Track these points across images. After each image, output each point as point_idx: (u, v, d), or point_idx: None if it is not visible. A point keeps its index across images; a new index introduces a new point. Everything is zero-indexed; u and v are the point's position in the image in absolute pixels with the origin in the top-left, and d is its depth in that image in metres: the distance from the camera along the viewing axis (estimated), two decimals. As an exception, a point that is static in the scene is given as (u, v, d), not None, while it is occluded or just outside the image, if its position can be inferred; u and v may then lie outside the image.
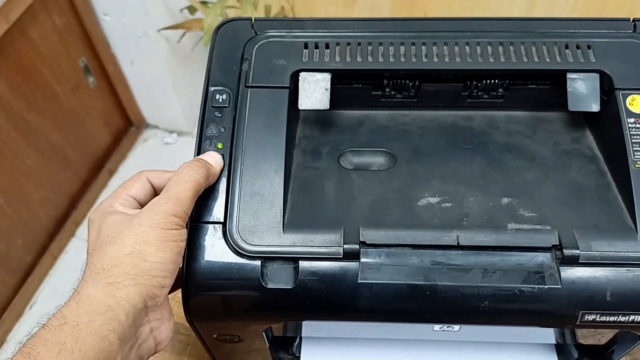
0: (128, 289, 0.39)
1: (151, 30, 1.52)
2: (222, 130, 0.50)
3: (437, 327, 0.50)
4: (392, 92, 0.55)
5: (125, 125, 1.81)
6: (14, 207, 1.43)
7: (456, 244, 0.45)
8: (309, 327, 0.54)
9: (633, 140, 0.48)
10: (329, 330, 0.56)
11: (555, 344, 0.60)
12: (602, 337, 0.52)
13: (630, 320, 0.45)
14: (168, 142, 1.83)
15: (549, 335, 0.54)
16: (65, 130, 1.55)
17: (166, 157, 1.80)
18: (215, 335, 0.51)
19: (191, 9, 1.48)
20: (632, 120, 0.49)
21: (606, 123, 0.51)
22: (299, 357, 0.60)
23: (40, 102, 1.43)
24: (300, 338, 0.61)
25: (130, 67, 1.67)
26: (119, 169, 1.79)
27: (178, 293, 0.48)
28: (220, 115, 0.50)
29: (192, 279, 0.46)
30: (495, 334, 0.55)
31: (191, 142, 1.68)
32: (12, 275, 1.49)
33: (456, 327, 0.50)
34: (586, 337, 0.52)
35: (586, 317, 0.45)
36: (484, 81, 0.53)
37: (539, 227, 0.46)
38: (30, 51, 1.36)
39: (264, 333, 0.50)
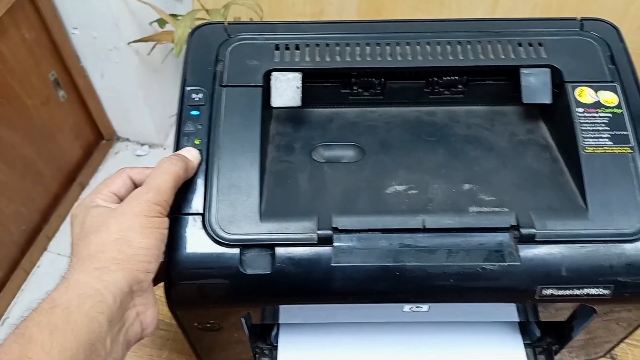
0: (115, 274, 0.40)
1: (121, 43, 1.54)
2: (199, 127, 0.52)
3: (407, 308, 0.53)
4: (360, 90, 0.58)
5: (96, 138, 1.81)
6: (-15, 222, 1.42)
7: (422, 227, 0.48)
8: (286, 313, 0.56)
9: (582, 128, 0.52)
10: (305, 316, 0.59)
11: (519, 325, 0.64)
12: (562, 313, 0.55)
13: (585, 293, 0.49)
14: (140, 155, 1.83)
15: (512, 314, 0.57)
16: (36, 144, 1.54)
17: (138, 169, 1.81)
18: (196, 324, 0.53)
19: (161, 22, 1.50)
20: (580, 109, 0.53)
21: (558, 113, 0.55)
22: (277, 346, 0.62)
23: (10, 116, 1.43)
24: (278, 327, 0.63)
25: (100, 80, 1.68)
26: (90, 182, 1.78)
27: (158, 289, 0.50)
28: (197, 113, 0.53)
29: (173, 268, 0.48)
30: (462, 313, 0.58)
31: (163, 154, 1.69)
32: (-17, 292, 1.47)
33: (425, 308, 0.53)
34: (547, 314, 0.56)
35: (544, 291, 0.49)
36: (445, 78, 0.57)
37: (497, 209, 0.50)
38: (-1, 65, 1.36)
39: (243, 320, 0.53)
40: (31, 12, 1.40)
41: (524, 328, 0.64)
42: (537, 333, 0.63)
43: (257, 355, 0.61)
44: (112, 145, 1.86)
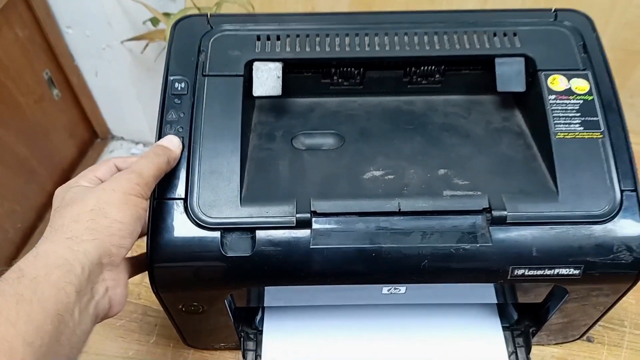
0: (86, 244, 0.41)
1: (114, 42, 1.55)
2: (182, 116, 0.54)
3: (385, 289, 0.54)
4: (340, 80, 0.60)
5: (91, 137, 1.83)
6: (-20, 219, 1.43)
7: (398, 210, 0.50)
8: (268, 297, 0.57)
9: (554, 114, 0.54)
10: (287, 299, 0.60)
11: (497, 308, 0.66)
12: (537, 295, 0.57)
13: (556, 273, 0.51)
14: (134, 153, 1.85)
15: (489, 295, 0.59)
16: (31, 143, 1.55)
17: (132, 167, 1.82)
18: (180, 306, 0.54)
19: (154, 21, 1.51)
20: (553, 97, 0.55)
21: (531, 101, 0.57)
22: (262, 330, 0.64)
23: (4, 114, 1.44)
24: (263, 312, 0.65)
25: (94, 78, 1.69)
26: (85, 180, 1.79)
27: (146, 277, 0.51)
28: (179, 102, 0.54)
29: (156, 251, 0.49)
30: (439, 295, 0.60)
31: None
32: (-23, 289, 1.48)
33: (402, 289, 0.54)
34: (523, 295, 0.57)
35: (516, 271, 0.50)
36: (422, 67, 0.59)
37: (471, 193, 0.52)
38: (-7, 64, 1.37)
39: (226, 302, 0.54)
40: (24, 10, 1.42)
41: (502, 311, 0.66)
42: (515, 316, 0.64)
43: (242, 339, 0.63)
44: (107, 144, 1.87)
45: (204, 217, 0.50)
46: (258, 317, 0.65)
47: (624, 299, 0.66)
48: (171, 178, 0.51)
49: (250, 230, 0.50)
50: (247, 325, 0.64)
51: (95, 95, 1.74)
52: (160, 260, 0.50)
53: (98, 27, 1.52)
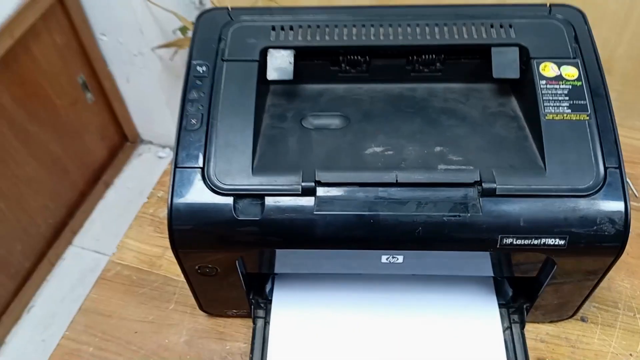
0: None
1: (145, 49, 1.64)
2: (202, 95, 0.59)
3: (384, 258, 0.59)
4: (347, 68, 0.65)
5: (121, 140, 1.91)
6: (14, 213, 1.51)
7: (395, 182, 0.54)
8: (275, 262, 0.62)
9: (544, 98, 0.58)
10: (292, 265, 0.65)
11: (494, 286, 0.69)
12: (529, 268, 0.61)
13: (542, 243, 0.54)
14: (161, 157, 1.92)
15: (485, 267, 0.62)
16: (64, 143, 1.64)
17: (159, 170, 1.89)
18: (196, 268, 0.59)
19: (183, 30, 1.59)
20: (543, 82, 0.59)
21: (524, 87, 0.61)
22: (271, 299, 0.68)
23: (40, 114, 1.53)
24: (273, 283, 0.70)
25: (126, 84, 1.78)
26: (114, 181, 1.88)
27: (168, 251, 0.57)
28: (200, 83, 0.60)
29: (176, 213, 0.55)
30: (436, 266, 0.64)
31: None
32: (11, 279, 1.56)
33: (400, 258, 0.59)
34: (516, 268, 0.61)
35: (505, 240, 0.54)
36: (423, 56, 0.63)
37: (464, 167, 0.56)
38: (32, 66, 1.46)
39: (237, 265, 0.59)
40: (62, 18, 1.51)
41: (499, 289, 0.69)
42: (510, 292, 0.68)
43: (252, 307, 0.68)
44: (136, 147, 1.95)
45: (219, 184, 0.55)
46: (268, 288, 0.70)
47: (618, 282, 0.70)
48: (191, 149, 0.57)
49: (260, 196, 0.55)
50: (258, 295, 0.69)
51: (126, 100, 1.82)
52: (179, 222, 0.55)
53: (130, 34, 1.61)
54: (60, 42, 1.54)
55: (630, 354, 0.66)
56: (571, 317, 0.68)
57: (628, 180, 0.78)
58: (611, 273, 0.71)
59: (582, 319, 0.69)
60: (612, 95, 1.44)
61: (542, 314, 0.68)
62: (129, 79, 1.75)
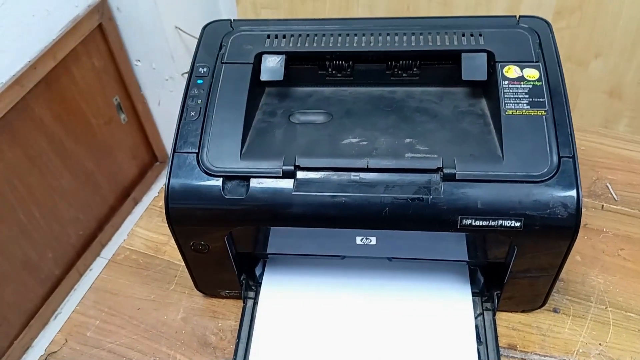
0: None
1: (176, 74, 1.76)
2: (202, 92, 0.67)
3: (358, 240, 0.65)
4: (334, 72, 0.72)
5: (151, 159, 2.02)
6: (48, 221, 1.62)
7: (366, 167, 0.61)
8: (260, 242, 0.69)
9: (505, 96, 0.64)
10: (276, 245, 0.71)
11: (469, 274, 0.74)
12: (496, 253, 0.66)
13: (499, 224, 0.59)
14: (188, 176, 2.02)
15: (455, 251, 0.67)
16: (98, 159, 1.76)
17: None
18: (190, 244, 0.66)
19: (211, 55, 1.71)
20: (506, 82, 0.65)
21: (491, 87, 0.67)
22: (261, 283, 0.75)
23: (77, 131, 1.65)
24: (263, 268, 0.76)
25: (157, 107, 1.90)
26: (143, 198, 1.98)
27: (174, 241, 0.64)
28: (201, 82, 0.68)
29: (172, 192, 0.62)
30: (407, 248, 0.69)
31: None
32: (41, 285, 1.66)
33: (373, 240, 0.64)
34: (483, 252, 0.66)
35: (464, 221, 0.59)
36: (401, 62, 0.70)
37: (429, 156, 0.62)
38: (72, 87, 1.59)
39: (226, 242, 0.66)
40: (101, 43, 1.64)
41: (473, 278, 0.74)
42: (482, 279, 0.72)
43: (243, 287, 0.74)
44: (165, 167, 2.06)
45: (210, 167, 0.62)
46: (259, 272, 0.76)
47: (592, 277, 0.74)
48: (189, 137, 0.65)
49: (245, 178, 0.62)
50: (250, 278, 0.75)
51: (157, 121, 1.95)
52: (175, 200, 0.62)
53: (162, 60, 1.74)
54: (98, 65, 1.67)
55: (600, 344, 0.69)
56: (542, 306, 0.71)
57: (608, 184, 0.83)
58: (585, 269, 0.76)
59: (554, 310, 0.73)
60: (623, 122, 1.49)
61: (514, 304, 0.72)
62: (160, 102, 1.88)
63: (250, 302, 0.74)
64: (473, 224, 0.60)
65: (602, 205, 0.83)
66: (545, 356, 0.69)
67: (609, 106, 1.52)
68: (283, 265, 0.76)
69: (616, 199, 0.84)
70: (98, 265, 1.81)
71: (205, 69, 0.69)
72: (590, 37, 1.41)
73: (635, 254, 0.78)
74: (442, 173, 0.60)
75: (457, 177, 0.59)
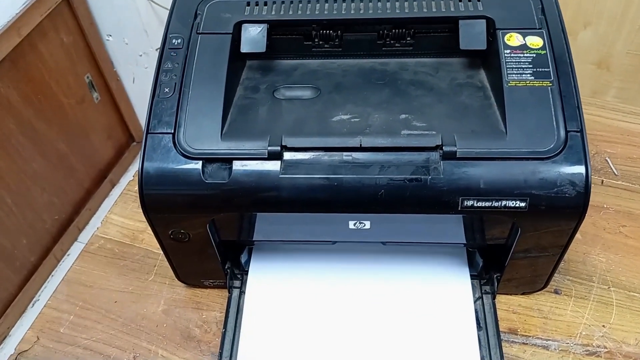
0: None
1: (150, 49, 1.68)
2: (176, 65, 0.61)
3: (351, 224, 0.60)
4: (321, 42, 0.66)
5: (127, 139, 1.95)
6: (21, 208, 1.54)
7: (359, 146, 0.56)
8: (245, 228, 0.64)
9: (507, 66, 0.59)
10: (263, 232, 0.66)
11: (467, 257, 0.70)
12: (497, 234, 0.61)
13: (503, 205, 0.55)
14: (167, 156, 1.96)
15: (453, 233, 0.63)
16: (71, 141, 1.68)
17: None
18: (169, 233, 0.61)
19: (186, 29, 1.63)
20: (508, 51, 0.60)
21: (491, 57, 0.62)
22: (247, 271, 0.70)
23: (47, 112, 1.57)
24: (249, 255, 0.71)
25: (131, 84, 1.82)
26: (120, 180, 1.91)
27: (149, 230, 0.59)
28: (175, 54, 0.62)
29: (147, 177, 0.57)
30: (403, 232, 0.65)
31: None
32: (16, 273, 1.59)
33: (367, 224, 0.60)
34: (482, 234, 0.62)
35: (465, 202, 0.55)
36: (394, 30, 0.65)
37: (426, 132, 0.57)
38: (39, 64, 1.50)
39: (208, 230, 0.61)
40: (69, 17, 1.55)
41: (471, 261, 0.70)
42: (480, 262, 0.69)
43: (228, 277, 0.69)
44: (142, 147, 1.99)
45: (188, 149, 0.57)
46: (244, 259, 0.71)
47: (593, 257, 0.70)
48: (163, 116, 0.59)
49: (227, 160, 0.56)
50: (235, 266, 0.71)
51: (132, 99, 1.87)
52: (150, 186, 0.57)
53: (136, 35, 1.65)
54: (67, 41, 1.58)
55: (603, 325, 0.66)
56: (543, 288, 0.68)
57: (607, 158, 0.79)
58: (586, 248, 0.72)
59: (556, 292, 0.69)
60: (611, 92, 1.44)
61: (514, 286, 0.68)
62: (134, 79, 1.79)
63: (236, 292, 0.69)
64: (475, 205, 0.55)
65: (602, 181, 0.80)
66: (547, 340, 0.66)
67: (597, 77, 1.49)
68: (270, 252, 0.71)
69: (616, 173, 0.80)
70: (76, 250, 1.75)
71: (179, 41, 0.63)
72: (579, 5, 1.37)
73: (637, 230, 0.75)
74: (441, 151, 0.55)
75: (457, 155, 0.55)
